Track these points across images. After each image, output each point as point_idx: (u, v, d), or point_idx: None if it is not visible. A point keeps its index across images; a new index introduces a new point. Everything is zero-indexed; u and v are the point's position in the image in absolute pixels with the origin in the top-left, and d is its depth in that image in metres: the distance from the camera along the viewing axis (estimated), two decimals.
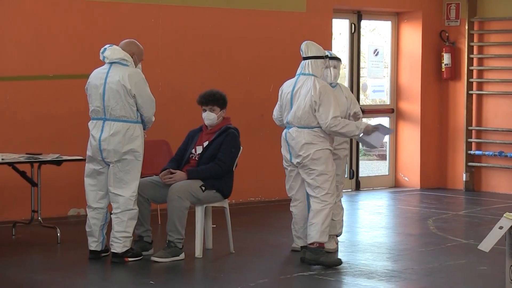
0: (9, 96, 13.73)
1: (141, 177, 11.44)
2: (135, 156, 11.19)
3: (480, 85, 19.15)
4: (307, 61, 11.51)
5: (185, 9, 15.55)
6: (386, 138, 18.67)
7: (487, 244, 9.95)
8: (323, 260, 11.02)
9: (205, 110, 11.90)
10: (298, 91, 11.38)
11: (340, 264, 11.20)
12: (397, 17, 19.51)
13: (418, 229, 15.41)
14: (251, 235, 12.96)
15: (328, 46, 17.52)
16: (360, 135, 11.72)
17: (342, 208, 12.52)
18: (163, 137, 12.83)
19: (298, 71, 11.71)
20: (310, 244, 11.08)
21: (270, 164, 13.50)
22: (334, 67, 12.10)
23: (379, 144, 12.61)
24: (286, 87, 11.83)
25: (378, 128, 11.89)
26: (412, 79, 19.40)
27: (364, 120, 15.82)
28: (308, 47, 11.63)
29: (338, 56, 12.31)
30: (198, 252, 11.69)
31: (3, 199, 13.50)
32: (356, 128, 11.46)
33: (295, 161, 11.40)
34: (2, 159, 12.32)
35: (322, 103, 11.10)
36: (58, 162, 12.64)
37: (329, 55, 11.90)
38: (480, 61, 19.17)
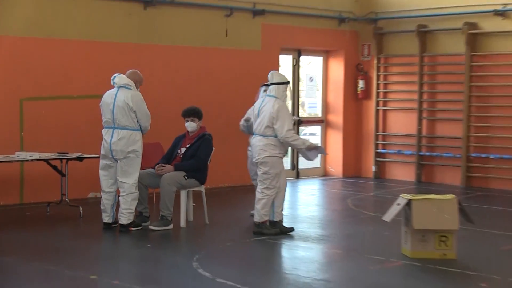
0: (44, 111, 13.83)
1: (141, 169, 11.81)
2: (136, 155, 11.59)
3: (385, 103, 19.16)
4: (272, 86, 11.71)
5: (169, 48, 15.58)
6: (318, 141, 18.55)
7: (388, 216, 10.36)
8: (265, 232, 11.38)
9: (187, 121, 12.20)
10: (263, 108, 11.56)
11: (277, 234, 11.34)
12: (327, 54, 19.39)
13: (340, 206, 15.49)
14: (221, 211, 13.12)
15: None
16: (304, 149, 11.79)
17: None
18: (157, 140, 13.02)
19: (268, 93, 11.83)
20: (255, 221, 11.47)
21: (235, 159, 13.58)
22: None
23: (314, 159, 12.57)
24: (257, 104, 12.00)
25: (317, 148, 12.08)
26: (336, 98, 19.34)
27: (302, 127, 16.00)
28: (272, 76, 11.84)
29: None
30: (183, 223, 12.13)
31: (40, 186, 13.68)
32: (302, 143, 11.67)
33: (254, 159, 11.67)
34: (40, 156, 12.73)
35: (279, 119, 11.29)
36: (80, 159, 12.89)
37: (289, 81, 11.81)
38: (385, 85, 19.17)
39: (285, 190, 12.01)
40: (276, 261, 10.23)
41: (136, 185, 11.65)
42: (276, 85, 11.62)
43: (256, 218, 11.53)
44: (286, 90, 11.81)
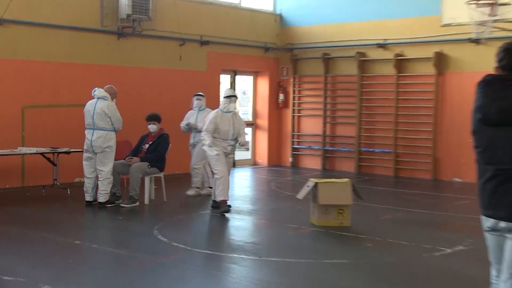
0: (40, 116, 13.72)
1: (115, 160, 11.62)
2: (111, 149, 11.53)
3: (298, 111, 19.15)
4: (233, 98, 11.03)
5: (137, 69, 15.56)
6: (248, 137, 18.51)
7: (301, 195, 10.49)
8: (218, 208, 10.95)
9: (150, 124, 12.16)
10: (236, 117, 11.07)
11: (228, 210, 10.93)
12: (256, 74, 19.33)
13: (266, 187, 15.48)
14: (176, 192, 13.03)
15: (217, 91, 17.63)
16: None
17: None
18: (127, 139, 12.90)
19: (228, 108, 10.89)
20: (213, 200, 11.10)
21: (187, 152, 13.47)
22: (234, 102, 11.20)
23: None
24: (222, 116, 10.95)
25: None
26: (263, 107, 19.28)
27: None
28: (232, 92, 11.32)
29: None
30: (146, 201, 12.05)
31: (37, 173, 13.49)
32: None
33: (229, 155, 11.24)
34: (37, 151, 12.66)
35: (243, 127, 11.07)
36: (68, 152, 12.76)
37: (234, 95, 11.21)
38: (299, 98, 19.15)
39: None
40: (218, 229, 10.19)
41: (111, 172, 11.57)
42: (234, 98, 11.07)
43: (213, 197, 11.18)
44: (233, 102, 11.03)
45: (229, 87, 10.05)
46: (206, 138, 10.71)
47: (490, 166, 4.37)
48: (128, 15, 14.93)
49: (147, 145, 12.15)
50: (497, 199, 4.31)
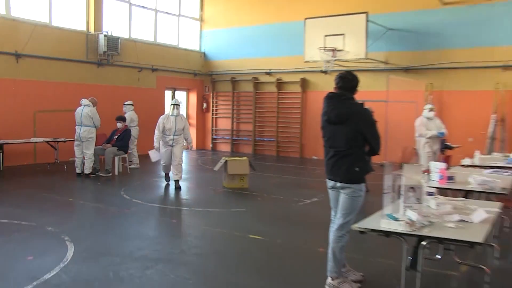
0: (50, 118, 13.48)
1: (95, 146, 11.47)
2: (92, 139, 11.43)
3: (216, 114, 19.09)
4: (177, 106, 10.22)
5: (111, 87, 15.51)
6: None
7: (217, 167, 10.52)
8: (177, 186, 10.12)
9: (118, 122, 11.99)
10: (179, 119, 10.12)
11: (168, 179, 10.50)
12: (188, 90, 19.19)
13: (195, 163, 15.05)
14: (140, 167, 12.94)
15: (162, 103, 17.51)
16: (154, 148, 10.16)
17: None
18: (104, 132, 12.64)
19: (172, 112, 10.06)
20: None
21: (148, 140, 13.35)
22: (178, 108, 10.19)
23: (153, 159, 10.40)
24: (167, 118, 10.10)
25: (155, 153, 10.21)
26: (193, 112, 19.16)
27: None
28: (176, 101, 10.42)
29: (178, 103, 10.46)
30: (116, 173, 11.89)
31: (45, 156, 13.13)
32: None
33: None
34: (44, 140, 12.45)
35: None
36: (64, 141, 12.56)
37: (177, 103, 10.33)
38: (216, 106, 19.05)
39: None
40: (163, 190, 10.09)
41: (93, 154, 11.41)
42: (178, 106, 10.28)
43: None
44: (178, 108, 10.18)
45: (173, 98, 9.55)
46: (155, 135, 10.06)
47: (332, 149, 4.62)
48: (104, 51, 14.76)
49: (116, 136, 11.99)
50: (336, 169, 4.57)
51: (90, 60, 14.86)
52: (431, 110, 10.20)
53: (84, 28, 14.87)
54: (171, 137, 10.04)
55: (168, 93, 18.21)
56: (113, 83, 15.62)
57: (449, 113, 11.36)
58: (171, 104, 10.26)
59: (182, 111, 19.54)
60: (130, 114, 12.84)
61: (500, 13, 13.30)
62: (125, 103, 13.29)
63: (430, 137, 10.01)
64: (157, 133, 10.09)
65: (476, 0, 13.56)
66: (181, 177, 10.26)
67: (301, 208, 8.58)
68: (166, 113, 10.39)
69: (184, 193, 9.81)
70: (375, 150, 4.54)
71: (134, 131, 12.93)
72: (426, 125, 10.10)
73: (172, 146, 10.07)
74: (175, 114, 10.05)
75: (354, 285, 4.60)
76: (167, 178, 10.54)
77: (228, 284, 4.82)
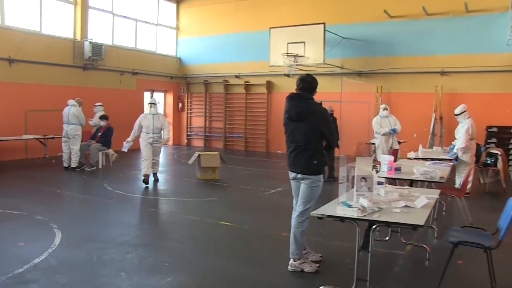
0: (40, 117, 13.14)
1: (81, 142, 11.23)
2: (79, 135, 11.23)
3: (190, 113, 18.96)
4: (154, 104, 9.38)
5: (95, 89, 15.24)
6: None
7: (191, 161, 10.43)
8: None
9: (101, 121, 11.78)
10: (157, 117, 9.31)
11: (146, 181, 9.31)
12: (165, 91, 18.98)
13: (171, 157, 14.90)
14: (119, 161, 12.71)
15: (142, 103, 17.27)
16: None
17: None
18: (89, 130, 12.42)
19: (150, 111, 9.33)
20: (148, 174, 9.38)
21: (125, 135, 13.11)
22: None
23: (123, 149, 9.52)
24: (145, 116, 9.32)
25: (126, 143, 9.42)
26: (170, 111, 18.95)
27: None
28: (153, 100, 9.52)
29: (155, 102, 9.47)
30: (100, 166, 11.63)
31: (35, 151, 12.82)
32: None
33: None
34: (34, 137, 12.16)
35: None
36: (53, 138, 12.24)
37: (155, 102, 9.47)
38: (190, 105, 18.93)
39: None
40: (142, 182, 10.01)
41: (79, 149, 11.19)
42: (156, 105, 9.47)
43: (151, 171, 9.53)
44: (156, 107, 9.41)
45: (151, 97, 8.91)
46: (132, 131, 9.34)
47: (292, 143, 4.62)
48: (90, 57, 14.52)
49: (100, 133, 11.77)
50: (296, 162, 4.57)
51: (76, 65, 14.57)
52: (385, 109, 10.35)
53: (71, 36, 14.63)
54: (151, 135, 9.29)
55: (147, 94, 17.98)
56: (97, 85, 15.32)
57: (396, 112, 11.51)
58: (149, 103, 9.62)
59: (160, 110, 19.48)
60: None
61: (438, 26, 13.62)
62: (96, 104, 12.93)
63: (383, 134, 10.17)
64: (134, 129, 9.36)
65: (418, 15, 13.83)
66: (157, 170, 9.92)
67: (267, 197, 8.58)
68: (145, 111, 9.78)
69: (161, 185, 9.69)
70: (331, 145, 4.56)
71: None
72: (380, 124, 10.26)
73: (151, 144, 9.35)
74: (152, 112, 9.35)
75: (314, 265, 4.61)
76: (145, 180, 9.39)
77: (201, 266, 4.78)
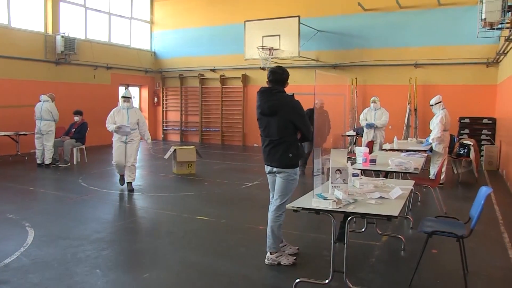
0: (12, 113, 12.80)
1: (55, 138, 11.05)
2: (52, 132, 11.03)
3: (166, 108, 18.86)
4: (128, 98, 8.20)
5: (68, 84, 14.97)
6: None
7: (167, 155, 10.33)
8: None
9: (75, 116, 11.61)
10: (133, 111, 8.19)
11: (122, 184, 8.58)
12: (140, 86, 18.75)
13: (147, 152, 14.75)
14: (94, 157, 12.53)
15: (117, 98, 17.04)
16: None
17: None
18: (62, 125, 12.20)
19: (123, 105, 8.16)
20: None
21: (104, 133, 12.95)
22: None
23: (126, 132, 8.03)
24: (119, 111, 8.11)
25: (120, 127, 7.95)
26: (145, 105, 18.81)
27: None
28: (126, 93, 8.32)
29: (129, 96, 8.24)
30: (75, 162, 11.46)
31: (6, 148, 12.53)
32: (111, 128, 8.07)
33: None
34: (5, 133, 11.81)
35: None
36: (25, 134, 11.97)
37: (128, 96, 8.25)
38: (166, 100, 18.80)
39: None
40: (117, 178, 9.86)
41: (52, 145, 10.99)
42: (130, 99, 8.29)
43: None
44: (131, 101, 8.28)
45: (125, 91, 8.00)
46: (108, 127, 8.09)
47: (267, 138, 4.59)
48: (62, 51, 14.31)
49: (74, 129, 11.58)
50: (271, 156, 4.55)
51: (48, 59, 14.34)
52: (372, 102, 10.48)
53: (42, 30, 14.34)
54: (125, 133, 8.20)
55: (122, 89, 17.73)
56: (71, 80, 15.09)
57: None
58: (122, 97, 8.40)
59: (135, 105, 19.19)
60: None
61: (411, 19, 13.80)
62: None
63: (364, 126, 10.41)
64: (108, 124, 8.15)
65: (392, 8, 13.97)
66: (134, 179, 8.46)
67: (244, 190, 8.56)
68: (119, 105, 8.40)
69: (137, 180, 9.55)
70: (306, 137, 4.54)
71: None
72: (365, 116, 10.45)
73: (125, 143, 8.21)
74: (125, 107, 8.20)
75: (290, 258, 4.62)
76: (121, 180, 8.62)
77: (177, 261, 4.74)
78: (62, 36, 14.19)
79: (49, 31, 14.39)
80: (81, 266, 4.52)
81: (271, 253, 4.60)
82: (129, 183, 8.40)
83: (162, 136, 19.07)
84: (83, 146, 11.77)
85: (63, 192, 8.32)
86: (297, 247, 4.93)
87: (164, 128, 19.06)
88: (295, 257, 4.66)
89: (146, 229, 6.03)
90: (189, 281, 4.23)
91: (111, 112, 8.25)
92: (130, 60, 17.60)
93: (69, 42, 14.39)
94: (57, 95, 11.76)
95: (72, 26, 15.20)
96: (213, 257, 4.87)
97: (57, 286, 4.04)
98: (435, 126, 8.54)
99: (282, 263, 4.55)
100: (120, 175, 8.60)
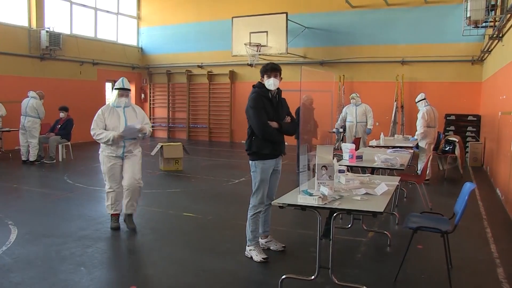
0: None
1: (40, 135, 10.95)
2: (36, 128, 10.83)
3: (153, 104, 18.77)
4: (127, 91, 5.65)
5: (53, 80, 14.77)
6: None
7: (153, 152, 10.26)
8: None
9: (60, 112, 11.46)
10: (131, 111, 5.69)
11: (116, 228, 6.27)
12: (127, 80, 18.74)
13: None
14: (80, 153, 12.43)
15: (103, 94, 16.90)
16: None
17: None
18: (48, 122, 12.06)
19: (118, 102, 5.71)
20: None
21: (85, 130, 12.83)
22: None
23: (135, 135, 5.44)
24: (111, 111, 5.47)
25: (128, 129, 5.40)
26: (132, 102, 18.73)
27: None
28: (122, 83, 5.62)
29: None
30: (60, 159, 11.34)
31: None
32: (105, 137, 5.30)
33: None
34: None
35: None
36: (9, 131, 11.78)
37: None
38: (153, 96, 18.69)
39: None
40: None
41: (37, 142, 10.90)
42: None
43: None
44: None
45: (120, 80, 5.81)
46: (97, 133, 5.32)
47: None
48: (47, 46, 14.17)
49: (59, 126, 11.45)
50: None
51: (33, 55, 14.18)
52: (352, 98, 10.54)
53: (26, 24, 14.15)
54: (121, 143, 5.50)
55: (108, 85, 17.64)
56: (56, 76, 14.94)
57: None
58: (115, 89, 5.64)
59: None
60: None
61: (398, 17, 13.90)
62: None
63: (349, 122, 10.53)
64: (96, 130, 5.39)
65: (379, 5, 14.03)
66: (135, 209, 5.71)
67: (230, 187, 8.54)
68: (107, 103, 5.77)
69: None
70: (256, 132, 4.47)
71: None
72: (346, 112, 10.49)
73: (122, 158, 5.57)
74: (122, 104, 5.56)
75: (260, 256, 4.55)
76: (116, 221, 5.66)
77: (163, 258, 4.71)
78: (47, 31, 14.03)
79: (33, 25, 14.21)
80: (66, 264, 4.46)
81: (248, 246, 4.67)
82: (130, 217, 5.66)
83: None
84: (69, 143, 11.66)
85: (48, 189, 8.22)
86: (283, 245, 4.90)
87: (152, 124, 18.89)
88: (266, 256, 4.57)
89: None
90: (175, 277, 4.20)
91: (99, 113, 5.47)
92: (116, 56, 17.47)
93: (54, 37, 14.24)
94: (42, 91, 11.61)
95: (57, 21, 15.03)
96: (199, 253, 4.84)
97: (40, 285, 3.98)
98: (418, 122, 8.76)
99: (253, 258, 4.57)
100: (113, 216, 5.66)
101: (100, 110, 5.52)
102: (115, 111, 5.53)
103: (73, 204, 7.10)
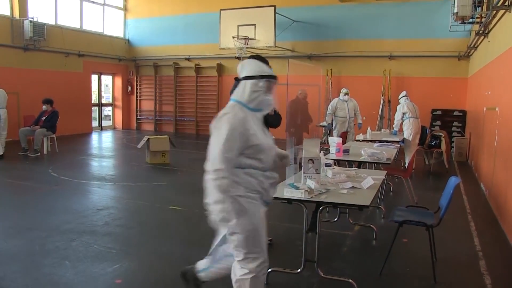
0: None
1: (24, 127, 10.72)
2: (6, 119, 10.56)
3: (140, 96, 18.62)
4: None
5: (37, 71, 14.54)
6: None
7: (140, 145, 10.20)
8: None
9: (44, 105, 11.27)
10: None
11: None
12: (114, 74, 18.39)
13: (120, 142, 14.57)
14: (65, 146, 12.30)
15: (89, 86, 16.75)
16: None
17: None
18: (32, 114, 11.93)
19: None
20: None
21: (76, 122, 12.71)
22: None
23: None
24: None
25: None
26: (119, 94, 18.52)
27: (104, 107, 15.03)
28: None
29: None
30: (45, 152, 11.19)
31: None
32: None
33: None
34: None
35: None
36: None
37: None
38: (140, 89, 18.54)
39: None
40: (89, 167, 9.70)
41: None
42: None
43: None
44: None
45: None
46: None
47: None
48: (31, 37, 13.87)
49: (44, 118, 11.28)
50: None
51: (16, 45, 13.88)
52: (345, 94, 10.45)
53: (8, 13, 13.88)
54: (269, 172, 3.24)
55: (94, 77, 17.49)
56: (41, 67, 14.68)
57: None
58: (260, 76, 2.97)
59: (108, 94, 18.95)
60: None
61: (386, 11, 13.96)
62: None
63: (341, 117, 10.43)
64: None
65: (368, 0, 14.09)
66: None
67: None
68: (232, 107, 3.03)
69: (109, 169, 9.48)
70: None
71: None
72: (336, 106, 10.43)
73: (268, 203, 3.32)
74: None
75: None
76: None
77: (149, 251, 4.70)
78: (31, 21, 13.78)
79: (16, 15, 13.93)
80: (50, 257, 4.43)
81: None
82: None
83: (136, 125, 18.84)
84: (54, 136, 11.52)
85: (33, 182, 8.12)
86: (270, 238, 4.90)
87: (138, 117, 18.83)
88: None
89: (117, 219, 5.93)
90: (161, 271, 4.19)
91: (228, 128, 2.90)
92: (103, 47, 17.28)
93: (38, 28, 14.00)
94: (26, 82, 11.50)
95: (41, 10, 14.78)
96: (185, 246, 4.84)
97: (24, 279, 3.94)
98: (395, 114, 9.64)
99: None
100: None
101: (227, 122, 2.89)
102: (256, 119, 3.03)
103: (57, 197, 7.04)
